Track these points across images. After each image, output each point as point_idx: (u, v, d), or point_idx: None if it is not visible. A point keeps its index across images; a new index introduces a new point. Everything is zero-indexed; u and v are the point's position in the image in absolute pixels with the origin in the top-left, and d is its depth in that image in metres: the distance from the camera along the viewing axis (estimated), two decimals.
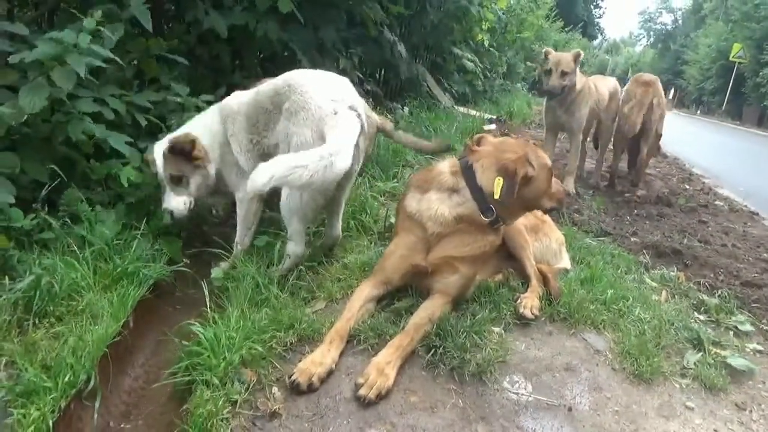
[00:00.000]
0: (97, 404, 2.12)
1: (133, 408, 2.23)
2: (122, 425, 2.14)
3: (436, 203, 2.67)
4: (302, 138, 2.70)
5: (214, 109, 3.26)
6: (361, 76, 7.21)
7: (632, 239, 4.69)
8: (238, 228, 3.27)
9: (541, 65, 5.76)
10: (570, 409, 2.32)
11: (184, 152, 3.08)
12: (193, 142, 3.08)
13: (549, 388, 2.42)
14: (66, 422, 2.00)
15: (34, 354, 2.11)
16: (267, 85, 3.01)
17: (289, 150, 2.74)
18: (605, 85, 6.37)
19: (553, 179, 2.85)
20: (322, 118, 2.67)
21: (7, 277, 2.44)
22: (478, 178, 2.62)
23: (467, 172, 2.65)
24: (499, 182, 2.56)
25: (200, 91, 3.96)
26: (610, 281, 3.32)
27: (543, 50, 5.79)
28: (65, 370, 2.04)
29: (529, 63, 18.08)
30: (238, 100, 3.14)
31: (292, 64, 4.99)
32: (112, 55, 3.01)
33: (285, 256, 3.00)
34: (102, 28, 2.98)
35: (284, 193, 2.85)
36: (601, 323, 2.91)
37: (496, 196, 2.56)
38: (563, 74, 5.47)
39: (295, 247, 2.98)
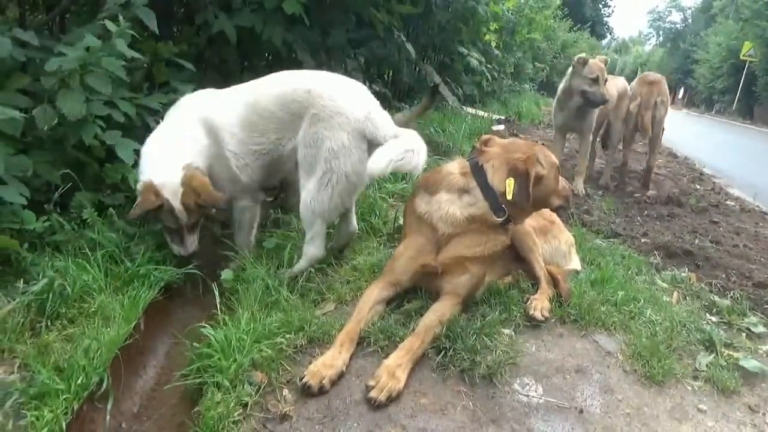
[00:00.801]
0: (109, 406, 2.14)
1: (144, 409, 2.25)
2: (134, 427, 2.15)
3: (446, 204, 2.67)
4: (338, 142, 2.77)
5: (191, 121, 2.99)
6: (368, 77, 7.22)
7: (643, 240, 4.66)
8: (238, 235, 3.28)
9: (574, 72, 5.65)
10: (581, 411, 2.30)
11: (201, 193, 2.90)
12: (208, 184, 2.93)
13: (560, 390, 2.41)
14: (79, 424, 2.02)
15: (47, 356, 2.13)
16: (266, 92, 2.95)
17: (318, 154, 2.80)
18: (614, 85, 6.34)
19: (561, 180, 2.87)
20: (361, 121, 2.78)
21: (21, 280, 2.47)
22: (490, 179, 2.63)
23: (478, 172, 2.65)
24: (510, 183, 2.56)
25: None
26: (620, 282, 3.30)
27: (576, 57, 5.70)
28: (78, 372, 2.06)
29: (537, 63, 18.03)
30: (221, 110, 2.99)
31: (299, 65, 5.00)
32: (138, 55, 3.09)
33: (302, 257, 3.01)
34: (129, 31, 3.03)
35: (308, 195, 2.88)
36: (612, 325, 2.90)
37: (509, 197, 2.57)
38: (605, 83, 5.50)
39: (315, 249, 2.99)
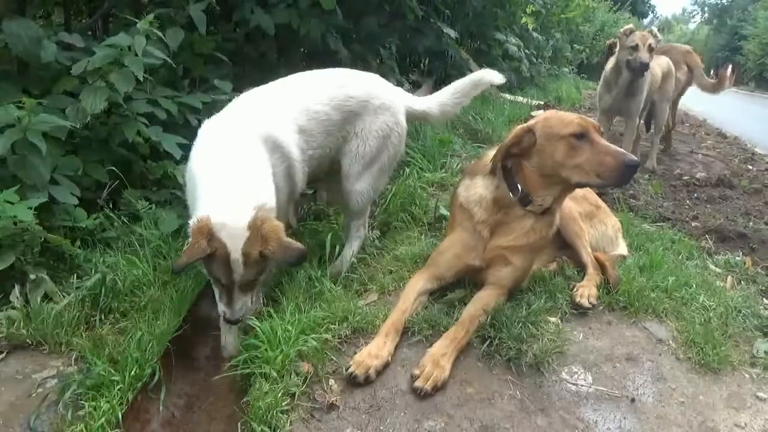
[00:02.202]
0: (162, 396, 2.20)
1: (195, 400, 2.30)
2: (186, 416, 2.20)
3: (480, 188, 2.66)
4: (400, 128, 3.02)
5: (250, 142, 2.48)
6: (403, 67, 7.17)
7: (693, 224, 4.49)
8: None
9: (620, 45, 5.53)
10: (633, 401, 2.25)
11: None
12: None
13: (610, 379, 2.36)
14: (134, 414, 2.08)
15: (102, 348, 2.20)
16: (317, 95, 2.78)
17: (383, 145, 2.95)
18: (658, 64, 6.12)
19: (595, 150, 2.41)
20: (406, 103, 3.10)
21: (74, 276, 2.56)
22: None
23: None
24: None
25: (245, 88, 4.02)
26: (670, 268, 3.19)
27: (622, 29, 5.59)
28: (131, 364, 2.13)
29: (576, 46, 17.57)
30: (280, 122, 2.63)
31: (333, 57, 5.02)
32: (167, 58, 3.09)
33: (353, 241, 3.07)
34: (155, 30, 3.07)
35: (364, 185, 2.96)
36: (662, 312, 2.81)
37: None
38: (651, 49, 5.33)
39: (363, 230, 3.13)
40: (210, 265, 2.26)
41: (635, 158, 2.43)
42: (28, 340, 2.28)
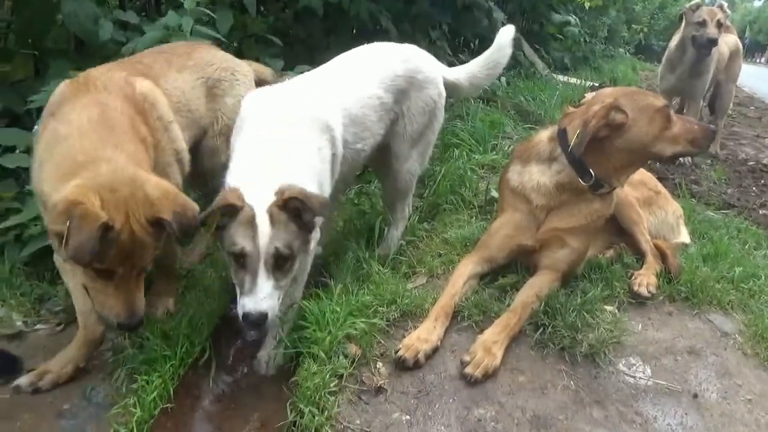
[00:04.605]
0: (212, 373, 2.22)
1: (243, 377, 2.31)
2: (234, 393, 2.22)
3: (537, 174, 2.55)
4: (442, 100, 2.91)
5: (305, 125, 2.24)
6: (453, 47, 7.01)
7: (761, 212, 4.26)
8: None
9: (686, 21, 5.25)
10: (695, 396, 2.14)
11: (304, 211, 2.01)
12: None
13: (670, 373, 2.25)
14: (184, 389, 2.12)
15: (155, 325, 2.23)
16: (365, 78, 2.59)
17: (430, 120, 2.87)
18: (725, 42, 5.79)
19: (681, 119, 2.49)
20: (444, 73, 2.97)
21: None
22: (570, 141, 2.45)
23: (561, 137, 2.49)
24: (576, 135, 2.39)
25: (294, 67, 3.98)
26: (737, 258, 3.02)
27: (689, 4, 5.30)
28: (183, 340, 2.16)
29: (633, 25, 16.87)
30: (332, 107, 2.41)
31: (384, 36, 4.93)
32: (218, 35, 3.09)
33: (399, 221, 3.02)
34: (207, 10, 3.07)
35: (412, 164, 2.89)
36: (728, 304, 2.66)
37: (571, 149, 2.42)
38: (719, 24, 5.04)
39: (408, 210, 3.09)
40: (231, 233, 1.96)
41: (713, 126, 2.44)
42: None
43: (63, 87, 2.07)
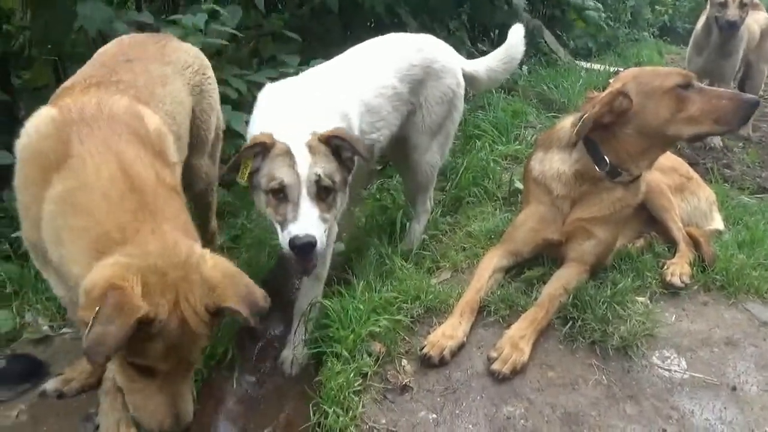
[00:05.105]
0: (236, 374, 2.21)
1: (267, 377, 2.29)
2: (257, 394, 2.20)
3: (557, 162, 2.48)
4: (461, 89, 2.86)
5: (323, 113, 2.21)
6: (472, 37, 6.91)
7: None
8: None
9: (710, 0, 5.07)
10: (734, 389, 2.06)
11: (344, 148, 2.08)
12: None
13: (707, 365, 2.17)
14: (208, 389, 2.12)
15: None
16: (381, 68, 2.56)
17: (448, 110, 2.81)
18: (756, 20, 5.57)
19: (704, 96, 2.26)
20: (462, 63, 2.93)
21: None
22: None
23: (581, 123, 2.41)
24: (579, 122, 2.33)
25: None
26: None
27: None
28: None
29: (657, 7, 16.45)
30: (343, 95, 2.38)
31: (402, 29, 4.87)
32: (236, 32, 3.07)
33: (421, 216, 2.97)
34: (221, 9, 3.06)
35: (432, 156, 2.85)
36: (766, 292, 2.55)
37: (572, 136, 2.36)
38: (742, 5, 4.83)
39: (430, 203, 3.04)
40: (267, 170, 1.97)
41: (754, 96, 2.25)
42: None
43: (48, 124, 1.65)
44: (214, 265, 1.54)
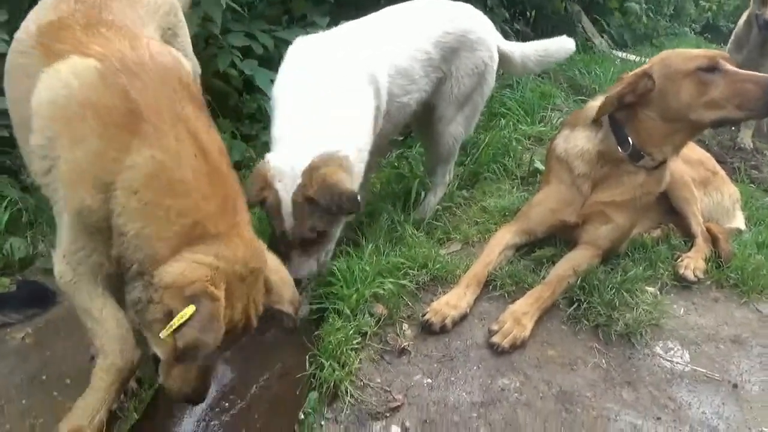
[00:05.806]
0: None
1: (265, 326, 2.28)
2: (255, 341, 2.21)
3: (582, 140, 2.45)
4: (494, 63, 2.80)
5: (351, 75, 2.22)
6: (509, 15, 6.77)
7: None
8: None
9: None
10: (735, 386, 2.04)
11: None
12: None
13: (711, 360, 2.14)
14: None
15: None
16: (416, 31, 2.54)
17: (479, 82, 2.76)
18: None
19: (729, 79, 2.16)
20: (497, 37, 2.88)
21: None
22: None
23: None
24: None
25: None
26: None
27: None
28: None
29: (702, 2, 15.96)
30: (373, 56, 2.35)
31: None
32: None
33: (438, 187, 2.96)
34: None
35: (457, 127, 2.82)
36: None
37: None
38: None
39: (449, 176, 3.02)
40: (268, 215, 2.14)
41: None
42: None
43: (93, 74, 1.46)
44: (274, 269, 1.68)
